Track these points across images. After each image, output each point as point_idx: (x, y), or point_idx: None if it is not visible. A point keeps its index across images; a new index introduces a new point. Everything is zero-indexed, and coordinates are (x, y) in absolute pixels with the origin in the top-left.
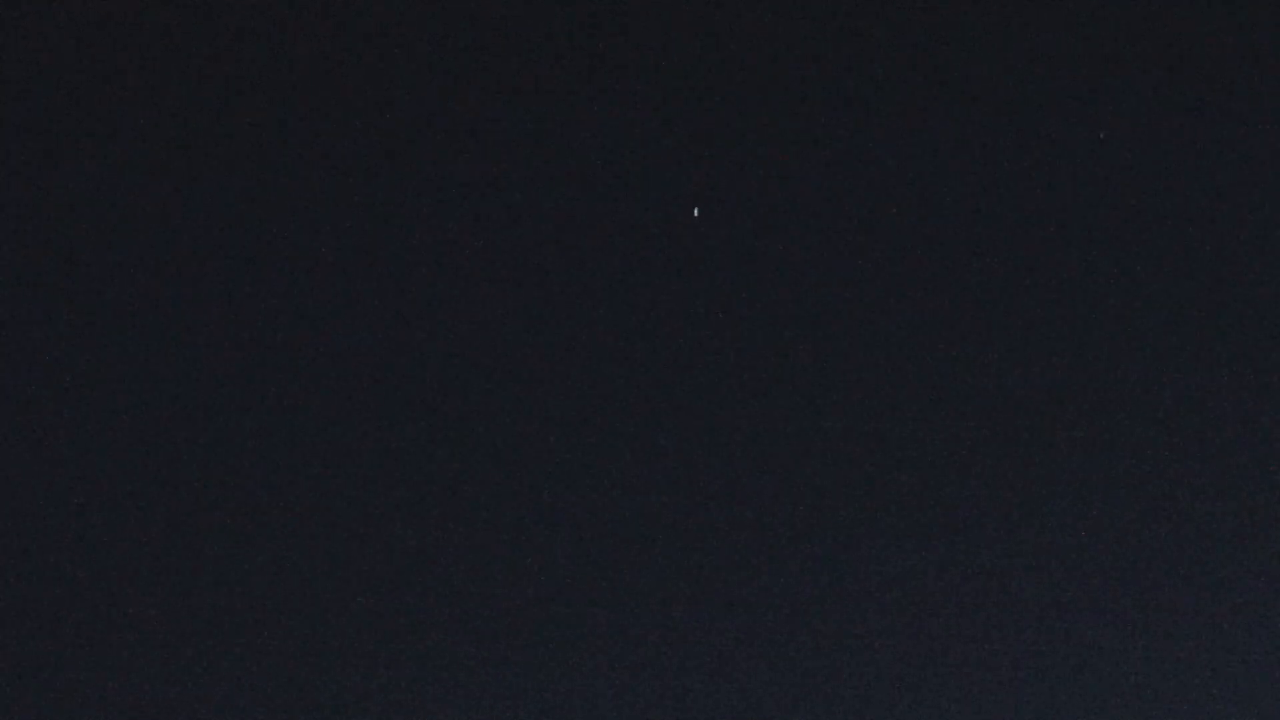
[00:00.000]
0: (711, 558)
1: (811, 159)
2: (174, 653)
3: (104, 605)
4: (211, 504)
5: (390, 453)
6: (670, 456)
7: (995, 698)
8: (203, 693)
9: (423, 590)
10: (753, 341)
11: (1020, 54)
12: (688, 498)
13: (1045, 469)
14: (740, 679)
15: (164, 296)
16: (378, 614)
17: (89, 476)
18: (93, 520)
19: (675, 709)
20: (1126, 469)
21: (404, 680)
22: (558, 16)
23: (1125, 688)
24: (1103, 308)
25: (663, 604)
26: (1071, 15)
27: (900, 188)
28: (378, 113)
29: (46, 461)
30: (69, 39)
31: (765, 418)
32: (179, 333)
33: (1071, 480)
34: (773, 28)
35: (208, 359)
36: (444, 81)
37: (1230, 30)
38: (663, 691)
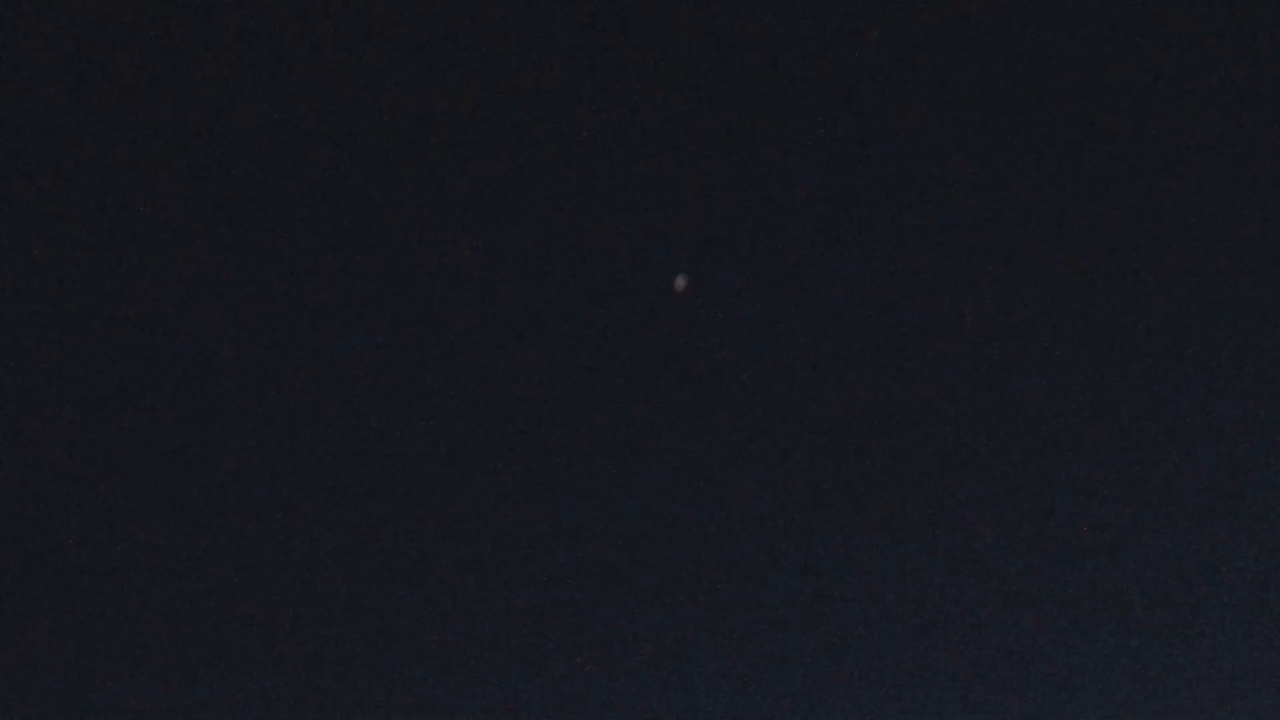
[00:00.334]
0: (711, 558)
1: (811, 159)
2: (174, 653)
3: (104, 605)
4: (211, 503)
5: (390, 452)
6: (670, 456)
7: (995, 698)
8: (202, 692)
9: (423, 590)
10: (752, 341)
11: (1020, 54)
12: (687, 497)
13: (1046, 469)
14: (740, 679)
15: (164, 296)
16: (377, 614)
17: (88, 476)
18: (93, 520)
19: (675, 709)
20: (1127, 469)
21: (404, 680)
22: (558, 16)
23: (1126, 687)
24: (1103, 308)
25: (662, 604)
26: (1071, 15)
27: (900, 188)
28: (378, 112)
29: (46, 461)
30: (69, 39)
31: (764, 417)
32: (179, 332)
33: (1072, 480)
34: (773, 28)
35: (207, 358)
36: (444, 81)
37: (1230, 30)
38: (663, 691)
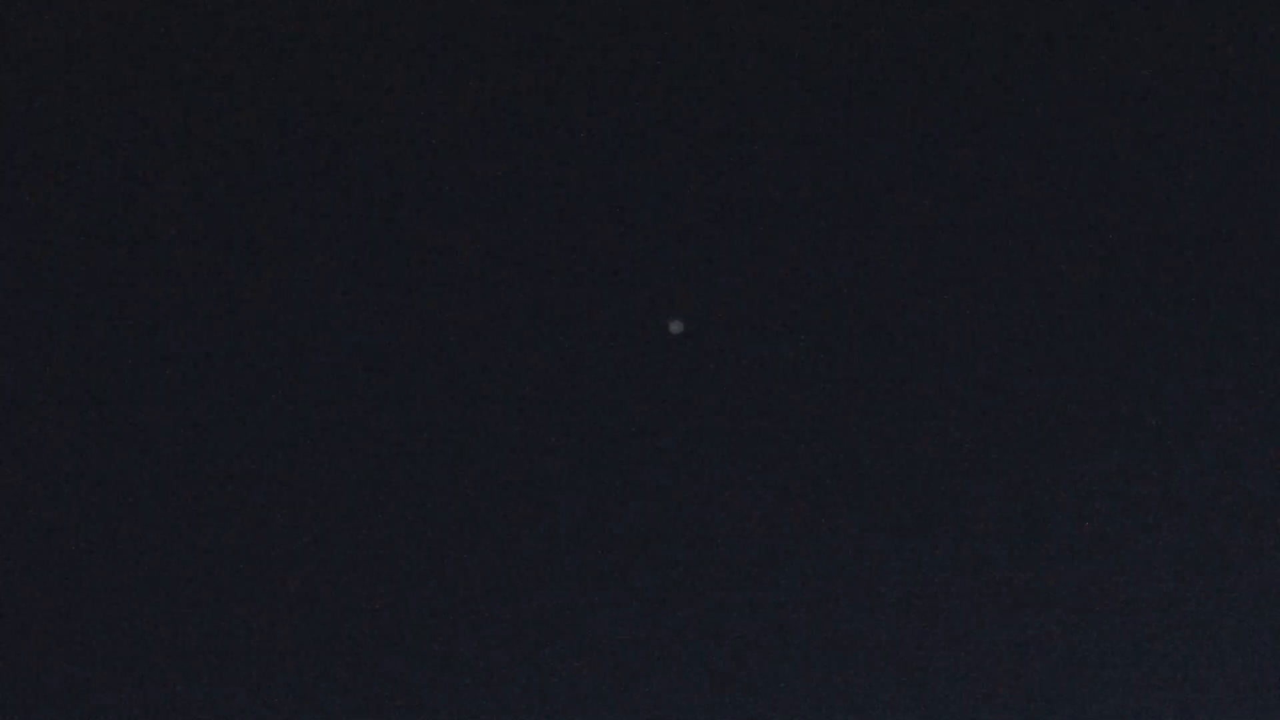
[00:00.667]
0: (711, 557)
1: (811, 159)
2: (173, 652)
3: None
4: (211, 503)
5: (389, 452)
6: (669, 456)
7: (996, 697)
8: (202, 692)
9: (423, 589)
10: (753, 340)
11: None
12: (687, 497)
13: (1045, 469)
14: (740, 678)
15: (163, 296)
16: (377, 614)
17: (88, 476)
18: (92, 520)
19: (674, 708)
20: (1127, 468)
21: (404, 680)
22: (557, 17)
23: (1126, 687)
24: (1103, 307)
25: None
26: (1071, 15)
27: (899, 188)
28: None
29: (46, 462)
30: (69, 39)
31: (764, 418)
32: (178, 332)
33: (1071, 481)
34: (773, 28)
35: (207, 358)
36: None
37: (1230, 30)
38: (663, 690)
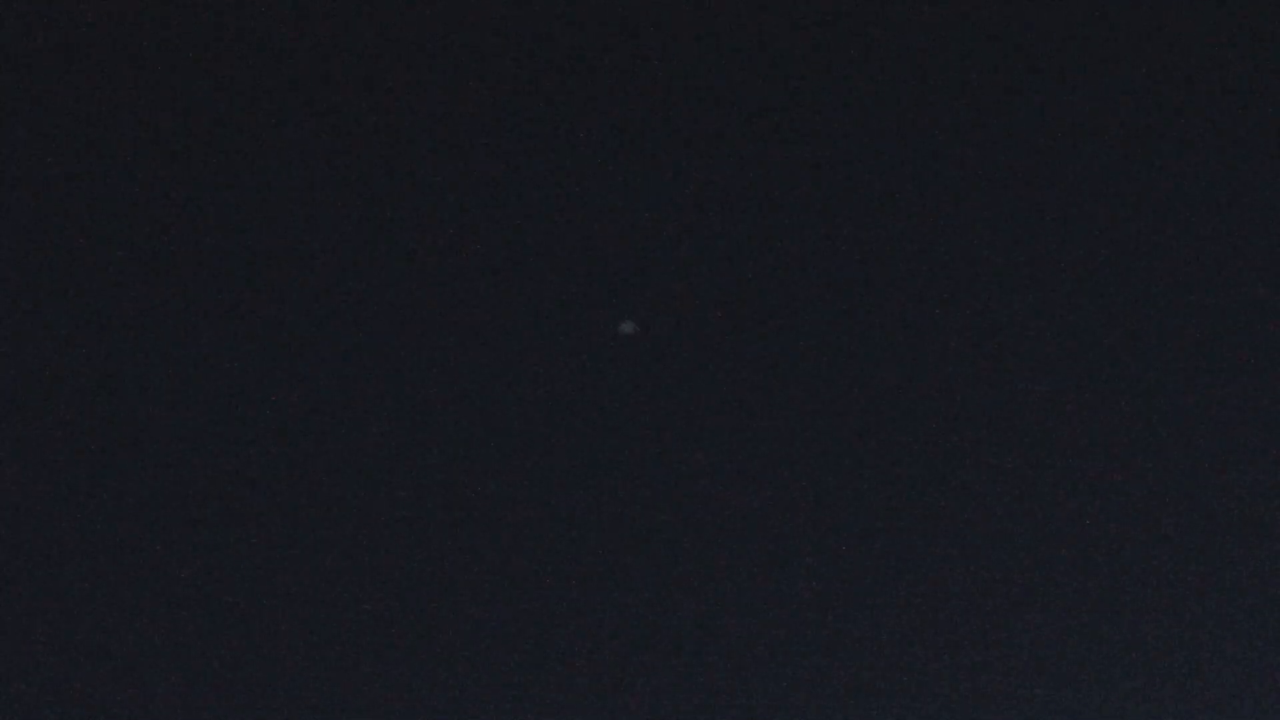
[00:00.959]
0: (710, 557)
1: (811, 159)
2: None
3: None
4: (211, 503)
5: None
6: (670, 456)
7: (995, 698)
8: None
9: (423, 590)
10: (752, 341)
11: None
12: (687, 497)
13: (1046, 469)
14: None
15: (164, 296)
16: (377, 614)
17: (89, 476)
18: (93, 519)
19: (674, 708)
20: (1126, 469)
21: (403, 680)
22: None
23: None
24: (1103, 308)
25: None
26: (1071, 15)
27: (900, 187)
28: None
29: (46, 461)
30: (68, 39)
31: (764, 418)
32: (179, 332)
33: (1071, 480)
34: (773, 28)
35: (207, 358)
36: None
37: (1230, 30)
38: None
